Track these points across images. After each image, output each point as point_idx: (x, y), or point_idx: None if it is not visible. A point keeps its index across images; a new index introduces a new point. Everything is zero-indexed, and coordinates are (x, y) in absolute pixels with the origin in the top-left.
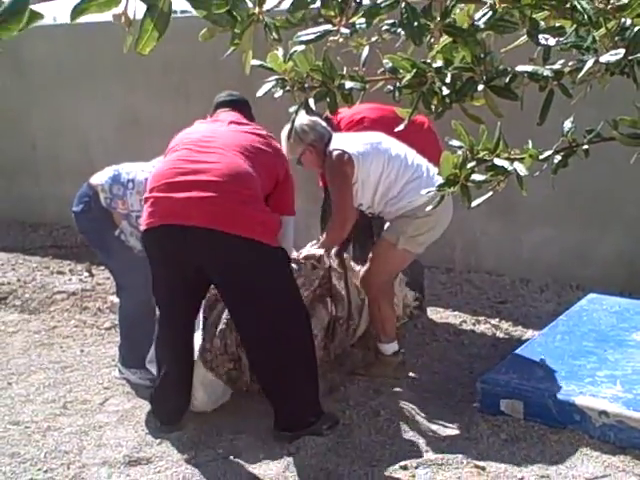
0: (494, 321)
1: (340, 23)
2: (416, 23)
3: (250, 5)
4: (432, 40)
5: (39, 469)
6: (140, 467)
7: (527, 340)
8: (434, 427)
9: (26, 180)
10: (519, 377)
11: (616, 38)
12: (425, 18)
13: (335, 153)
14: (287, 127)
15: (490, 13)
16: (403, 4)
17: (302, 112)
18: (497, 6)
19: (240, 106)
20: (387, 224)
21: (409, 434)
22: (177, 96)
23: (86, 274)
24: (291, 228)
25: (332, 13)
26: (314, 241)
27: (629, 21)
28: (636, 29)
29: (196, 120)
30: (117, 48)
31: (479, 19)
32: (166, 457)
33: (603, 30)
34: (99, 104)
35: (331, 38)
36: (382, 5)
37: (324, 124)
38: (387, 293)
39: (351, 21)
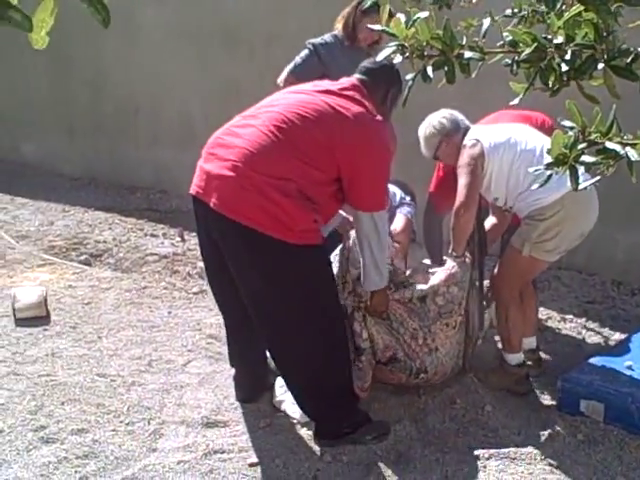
0: (581, 320)
1: None
2: None
3: None
4: (564, 7)
5: (121, 421)
6: (217, 429)
7: (613, 343)
8: (510, 421)
9: (127, 144)
10: (602, 379)
11: None
12: None
13: (469, 143)
14: (424, 124)
15: None
16: None
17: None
18: None
19: (374, 79)
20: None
21: (484, 425)
22: (280, 71)
23: (178, 239)
24: (368, 227)
25: None
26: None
27: None
28: None
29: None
30: (223, 16)
31: None
32: (242, 422)
33: None
34: (203, 72)
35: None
36: None
37: (461, 117)
38: (516, 301)
39: None
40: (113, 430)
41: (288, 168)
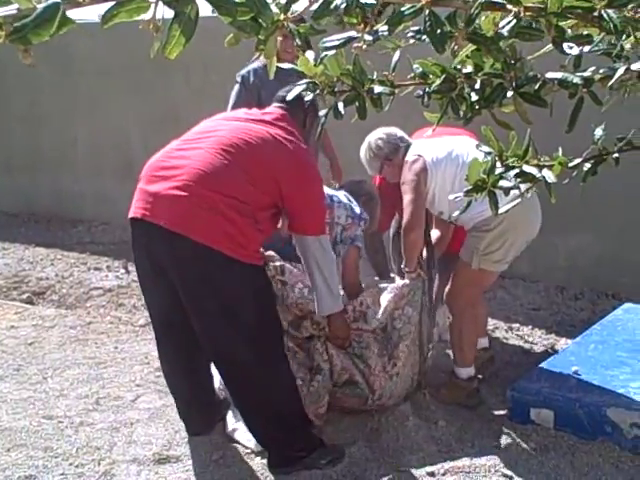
0: (527, 328)
1: (363, 30)
2: (439, 30)
3: (275, 11)
4: (456, 48)
5: (70, 464)
6: (169, 465)
7: (560, 348)
8: (463, 434)
9: (66, 176)
10: (550, 386)
11: None
12: (449, 25)
13: (411, 159)
14: (363, 146)
15: (515, 21)
16: (427, 11)
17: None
18: (522, 14)
19: (292, 106)
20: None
21: (437, 440)
22: (217, 96)
23: (122, 271)
24: (315, 249)
25: (355, 21)
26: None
27: None
28: None
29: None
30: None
31: (503, 27)
32: (195, 456)
33: (632, 39)
34: (139, 100)
35: (355, 45)
36: (405, 13)
37: (399, 135)
38: (469, 316)
39: (374, 28)
40: (62, 474)
41: (240, 189)
